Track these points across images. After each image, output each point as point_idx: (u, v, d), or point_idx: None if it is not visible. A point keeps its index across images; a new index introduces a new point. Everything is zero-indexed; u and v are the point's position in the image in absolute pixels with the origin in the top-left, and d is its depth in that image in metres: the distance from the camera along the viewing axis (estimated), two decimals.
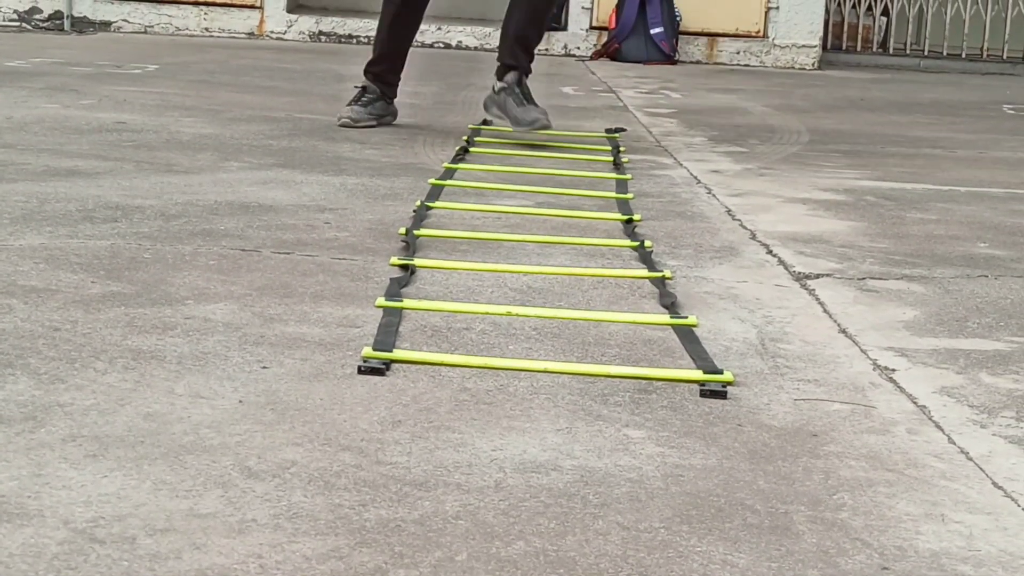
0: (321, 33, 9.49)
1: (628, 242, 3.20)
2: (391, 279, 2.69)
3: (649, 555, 1.53)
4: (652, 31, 9.20)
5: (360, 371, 2.12)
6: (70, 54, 7.48)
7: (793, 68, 9.48)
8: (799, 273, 2.99)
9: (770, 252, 3.20)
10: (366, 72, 5.05)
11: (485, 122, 5.27)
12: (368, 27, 9.49)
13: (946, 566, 1.55)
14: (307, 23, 9.50)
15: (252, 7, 9.42)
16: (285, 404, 1.96)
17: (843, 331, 2.54)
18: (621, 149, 4.75)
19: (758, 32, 9.53)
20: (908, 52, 10.17)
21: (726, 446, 1.90)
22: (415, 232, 3.12)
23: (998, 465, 1.88)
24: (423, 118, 5.46)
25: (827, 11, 9.77)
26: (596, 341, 2.39)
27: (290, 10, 9.54)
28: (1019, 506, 1.74)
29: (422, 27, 9.45)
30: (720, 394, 2.11)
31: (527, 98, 4.82)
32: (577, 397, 2.08)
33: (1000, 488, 1.80)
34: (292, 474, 1.70)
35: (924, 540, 1.62)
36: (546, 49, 9.37)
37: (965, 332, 2.58)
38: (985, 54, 10.11)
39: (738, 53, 9.53)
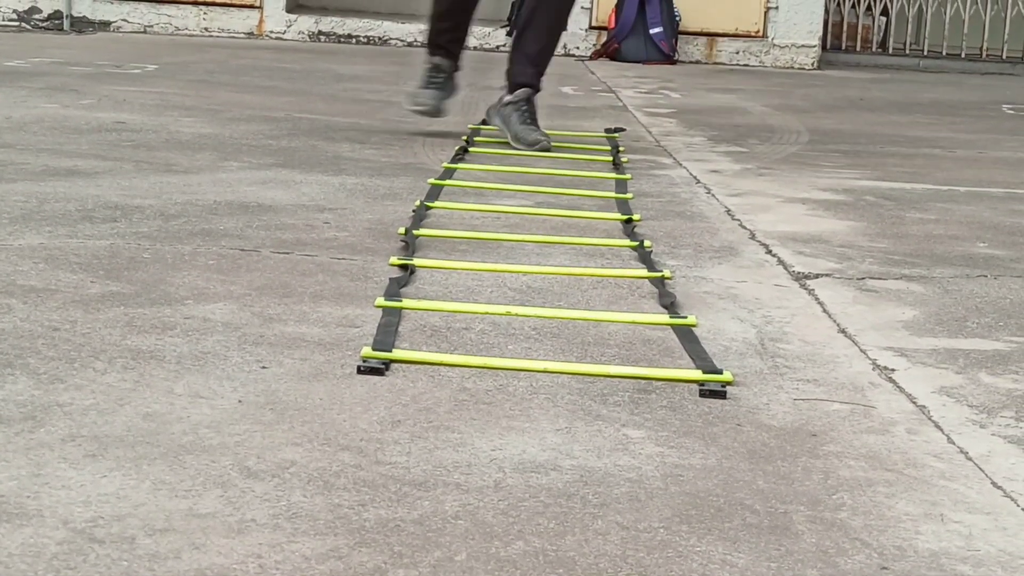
0: (320, 33, 9.49)
1: (627, 242, 3.20)
2: (390, 279, 2.69)
3: (648, 555, 1.53)
4: (651, 31, 9.21)
5: (359, 371, 2.12)
6: (69, 54, 7.48)
7: (792, 68, 9.48)
8: (798, 273, 2.99)
9: (769, 252, 3.20)
10: (431, 45, 4.90)
11: (484, 122, 5.27)
12: (368, 27, 9.50)
13: (945, 566, 1.55)
14: (306, 23, 9.50)
15: (251, 7, 9.42)
16: (284, 404, 1.96)
17: (842, 331, 2.54)
18: (620, 149, 4.75)
19: (757, 32, 9.53)
20: (908, 52, 10.18)
21: (725, 446, 1.90)
22: (414, 232, 3.12)
23: (997, 465, 1.88)
24: (422, 118, 5.45)
25: (826, 11, 9.78)
26: (595, 341, 2.39)
27: (289, 10, 9.54)
28: (1018, 506, 1.74)
29: (421, 26, 9.47)
30: (719, 394, 2.11)
31: (532, 118, 4.78)
32: (576, 397, 2.08)
33: (999, 488, 1.80)
34: (291, 474, 1.70)
35: (923, 540, 1.62)
36: None
37: (964, 332, 2.58)
38: (984, 54, 10.11)
39: (737, 53, 9.53)
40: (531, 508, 1.64)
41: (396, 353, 2.20)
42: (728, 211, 3.72)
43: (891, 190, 4.24)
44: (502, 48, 9.42)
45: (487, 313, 2.51)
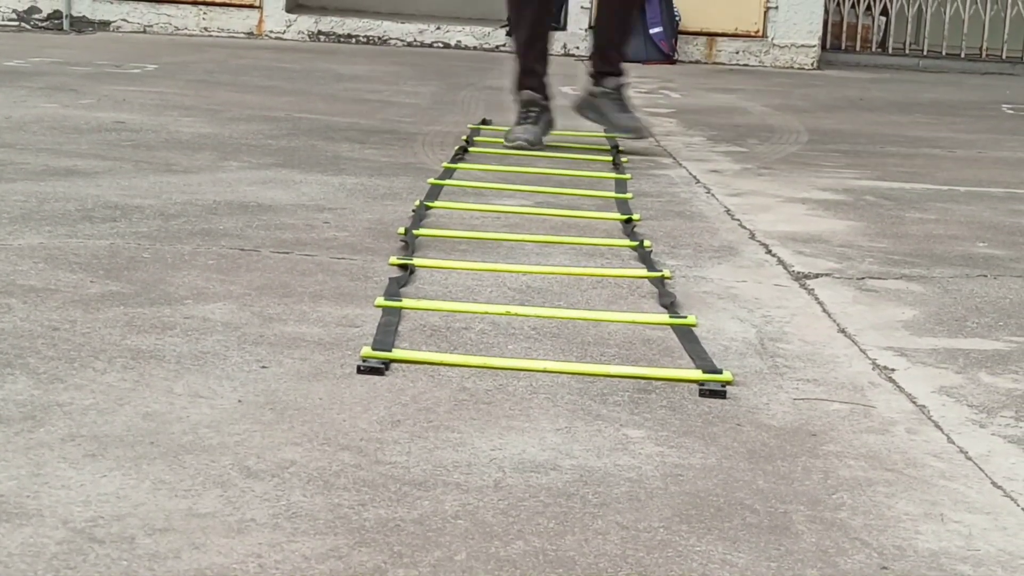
0: (320, 33, 9.49)
1: (627, 242, 3.20)
2: (390, 279, 2.69)
3: (648, 555, 1.53)
4: (651, 31, 9.21)
5: (359, 371, 2.12)
6: (69, 54, 7.48)
7: (792, 68, 9.48)
8: (798, 273, 2.99)
9: (769, 252, 3.20)
10: (518, 83, 4.80)
11: (484, 122, 5.27)
12: (367, 27, 9.50)
13: (945, 566, 1.55)
14: (306, 23, 9.50)
15: (251, 7, 9.42)
16: (284, 404, 1.96)
17: (842, 331, 2.54)
18: (620, 149, 4.75)
19: (757, 32, 9.53)
20: (907, 52, 10.18)
21: (725, 446, 1.90)
22: (414, 232, 3.12)
23: (997, 465, 1.88)
24: (422, 118, 5.46)
25: (826, 11, 9.78)
26: (595, 341, 2.39)
27: (289, 10, 9.54)
28: (1018, 506, 1.74)
29: (421, 26, 9.49)
30: (719, 394, 2.11)
31: (627, 105, 4.78)
32: (576, 397, 2.08)
33: (999, 488, 1.80)
34: (291, 474, 1.70)
35: (923, 540, 1.62)
36: None
37: (964, 332, 2.58)
38: (984, 54, 10.11)
39: (737, 53, 9.53)
40: (531, 508, 1.64)
41: (396, 353, 2.20)
42: (728, 211, 3.72)
43: (891, 190, 4.24)
44: (502, 48, 9.43)
45: (487, 313, 2.51)
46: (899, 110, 6.92)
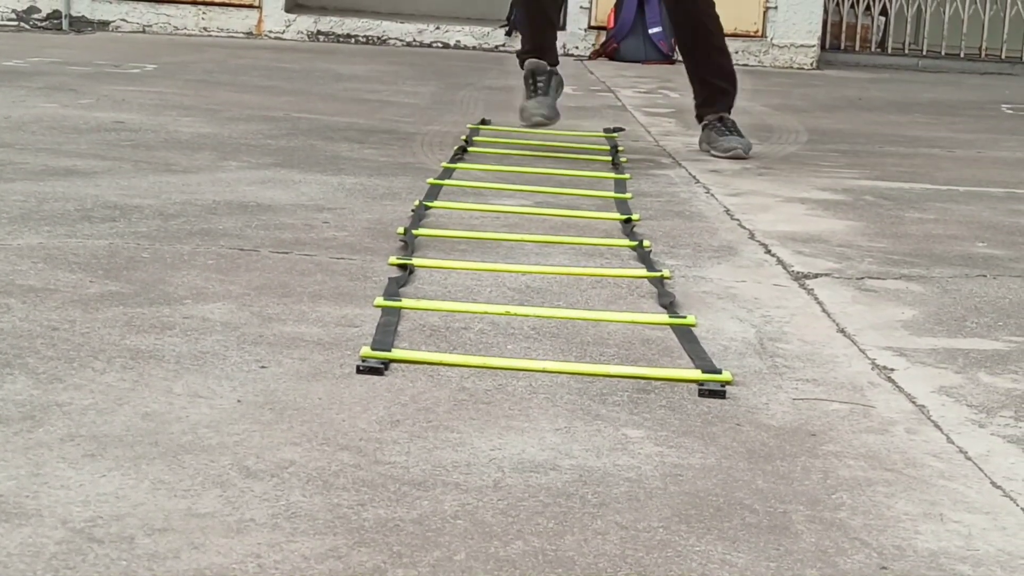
0: (319, 32, 9.49)
1: (627, 242, 3.20)
2: (389, 279, 2.69)
3: (648, 555, 1.53)
4: (650, 31, 9.20)
5: (358, 371, 2.12)
6: (68, 53, 7.48)
7: (791, 68, 9.48)
8: (797, 273, 2.99)
9: (768, 252, 3.20)
10: (521, 53, 4.77)
11: (484, 121, 5.28)
12: (367, 26, 9.50)
13: (945, 566, 1.55)
14: (305, 23, 9.50)
15: (250, 7, 9.41)
16: (283, 404, 1.96)
17: (842, 331, 2.54)
18: (620, 149, 4.75)
19: (756, 32, 9.53)
20: (907, 52, 10.18)
21: (725, 446, 1.90)
22: (414, 232, 3.12)
23: (996, 464, 1.88)
24: (421, 117, 5.46)
25: (825, 11, 9.78)
26: (595, 341, 2.39)
27: (288, 9, 9.54)
28: (1017, 505, 1.74)
29: (420, 26, 9.48)
30: (719, 394, 2.11)
31: (730, 129, 4.74)
32: (576, 397, 2.08)
33: (999, 487, 1.80)
34: (290, 474, 1.70)
35: (923, 539, 1.62)
36: None
37: (964, 332, 2.58)
38: (983, 54, 10.11)
39: (736, 53, 9.49)
40: (530, 508, 1.64)
41: (395, 353, 2.20)
42: (727, 211, 3.72)
43: (890, 190, 4.24)
44: (501, 48, 9.43)
45: (486, 313, 2.51)
46: (898, 110, 6.92)
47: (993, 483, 1.81)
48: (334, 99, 5.96)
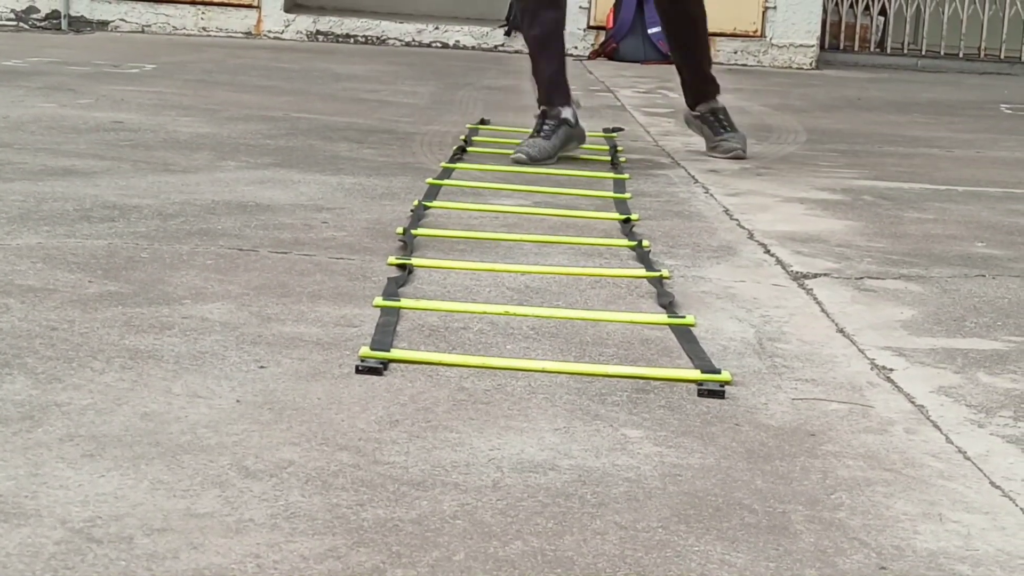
0: (319, 32, 9.49)
1: (626, 241, 3.20)
2: (388, 278, 2.69)
3: (647, 555, 1.53)
4: (650, 31, 9.20)
5: (358, 371, 2.12)
6: (67, 53, 7.48)
7: (791, 68, 9.48)
8: (797, 272, 2.99)
9: (768, 251, 3.20)
10: (546, 101, 4.52)
11: (483, 121, 5.27)
12: (366, 26, 9.50)
13: (944, 565, 1.55)
14: (304, 22, 9.50)
15: (249, 6, 9.41)
16: (282, 404, 1.96)
17: (841, 331, 2.54)
18: (619, 148, 4.75)
19: (755, 32, 9.53)
20: (906, 52, 10.18)
21: (724, 446, 1.90)
22: (413, 232, 3.12)
23: (996, 464, 1.88)
24: (420, 117, 5.46)
25: (825, 11, 9.78)
26: (594, 341, 2.39)
27: (287, 9, 9.54)
28: (1017, 505, 1.74)
29: (419, 26, 9.48)
30: (718, 394, 2.11)
31: (725, 125, 4.74)
32: (575, 397, 2.08)
33: (998, 487, 1.80)
34: (289, 474, 1.70)
35: (922, 539, 1.62)
36: None
37: (963, 332, 2.58)
38: (982, 54, 10.12)
39: (736, 53, 9.53)
40: (529, 508, 1.64)
41: (394, 353, 2.20)
42: (726, 211, 3.72)
43: (889, 190, 4.24)
44: (500, 48, 9.43)
45: (485, 313, 2.51)
46: (897, 110, 6.92)
47: (992, 483, 1.81)
48: (333, 99, 5.96)
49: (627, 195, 3.84)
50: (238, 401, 1.96)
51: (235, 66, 7.24)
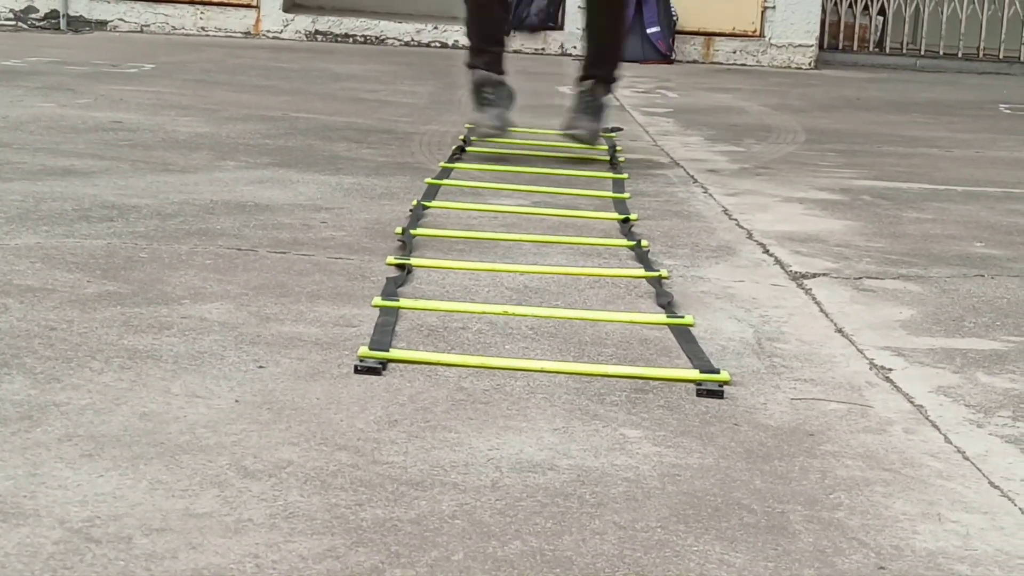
0: (317, 32, 9.48)
1: (625, 241, 3.20)
2: (387, 278, 2.69)
3: (646, 554, 1.53)
4: (648, 30, 9.20)
5: (356, 371, 2.12)
6: (66, 53, 7.48)
7: (790, 68, 9.48)
8: (795, 272, 2.99)
9: (767, 251, 3.20)
10: (470, 62, 4.64)
11: None
12: (365, 26, 9.50)
13: (943, 565, 1.55)
14: (303, 22, 9.50)
15: (248, 6, 9.41)
16: (281, 404, 1.96)
17: (839, 330, 2.54)
18: (618, 148, 4.75)
19: (755, 32, 9.53)
20: (905, 52, 10.18)
21: (723, 445, 1.90)
22: (411, 231, 3.12)
23: (995, 464, 1.88)
24: (419, 117, 5.46)
25: (824, 11, 9.78)
26: (593, 341, 2.39)
27: (286, 9, 9.54)
28: (1015, 505, 1.74)
29: (418, 26, 9.48)
30: (717, 394, 2.11)
31: (591, 106, 4.60)
32: (574, 397, 2.08)
33: (997, 487, 1.80)
34: (288, 474, 1.70)
35: (921, 539, 1.62)
36: (542, 48, 9.37)
37: (962, 331, 2.58)
38: (981, 53, 10.12)
39: (735, 52, 9.53)
40: (528, 508, 1.64)
41: (393, 353, 2.20)
42: (725, 211, 3.72)
43: (888, 190, 4.24)
44: None
45: (484, 313, 2.51)
46: (896, 110, 6.92)
47: (991, 483, 1.81)
48: (332, 99, 5.96)
49: (626, 195, 3.84)
50: (237, 401, 1.96)
51: (234, 66, 7.24)
